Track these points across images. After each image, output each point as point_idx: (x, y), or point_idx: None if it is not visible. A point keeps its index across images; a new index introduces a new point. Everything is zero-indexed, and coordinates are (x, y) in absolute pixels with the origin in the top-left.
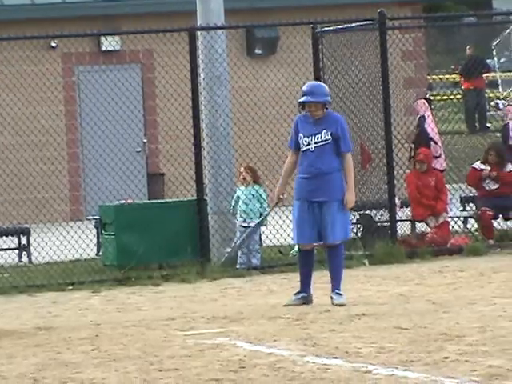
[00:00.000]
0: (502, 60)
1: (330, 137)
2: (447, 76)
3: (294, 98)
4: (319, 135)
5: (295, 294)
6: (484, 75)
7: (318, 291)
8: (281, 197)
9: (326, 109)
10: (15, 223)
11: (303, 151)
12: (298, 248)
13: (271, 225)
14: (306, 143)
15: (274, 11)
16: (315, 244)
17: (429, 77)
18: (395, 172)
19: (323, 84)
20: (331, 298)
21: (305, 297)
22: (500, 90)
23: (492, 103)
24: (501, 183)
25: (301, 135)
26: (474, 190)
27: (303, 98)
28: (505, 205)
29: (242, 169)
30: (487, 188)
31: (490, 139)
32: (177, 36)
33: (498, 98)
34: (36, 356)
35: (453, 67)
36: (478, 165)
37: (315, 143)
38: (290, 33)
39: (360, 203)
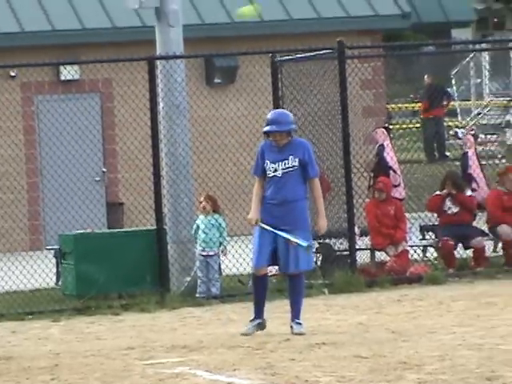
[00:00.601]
0: (461, 89)
1: (297, 163)
2: (406, 105)
3: (254, 127)
4: (286, 161)
5: (250, 320)
6: (445, 104)
7: (277, 320)
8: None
9: (291, 136)
10: None
11: (270, 177)
12: (253, 273)
13: (231, 254)
14: (273, 169)
15: (233, 40)
16: (275, 273)
17: (388, 106)
18: (354, 201)
19: (288, 112)
20: (291, 327)
21: (260, 323)
22: (459, 118)
23: (451, 132)
24: (460, 208)
25: (267, 161)
26: (433, 219)
27: (268, 128)
28: (465, 233)
29: (201, 198)
30: (449, 212)
31: (449, 168)
32: (136, 65)
33: (457, 127)
34: None
35: (412, 96)
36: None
37: (282, 169)
38: (250, 62)
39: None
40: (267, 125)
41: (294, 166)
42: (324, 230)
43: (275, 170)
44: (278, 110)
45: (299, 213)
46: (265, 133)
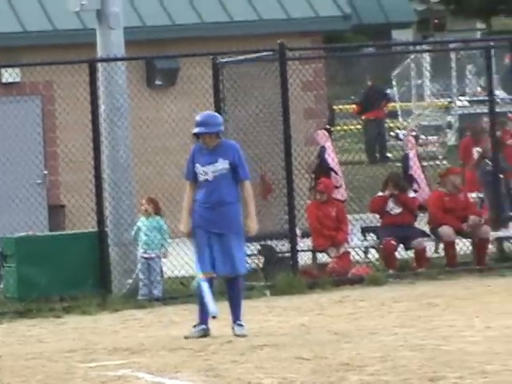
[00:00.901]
0: (402, 90)
1: (227, 165)
2: (347, 106)
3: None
4: (216, 164)
5: (194, 326)
6: (384, 105)
7: (219, 322)
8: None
9: (221, 138)
10: None
11: (201, 181)
12: (197, 278)
13: (172, 256)
14: (203, 173)
15: (174, 42)
16: (215, 275)
17: (333, 107)
18: (296, 202)
19: (216, 114)
20: (233, 329)
21: (205, 329)
22: (400, 120)
23: (392, 133)
24: (403, 209)
25: (198, 165)
26: (374, 221)
27: (197, 129)
28: (406, 234)
29: (143, 200)
30: (391, 213)
31: (391, 169)
32: (77, 68)
33: (399, 128)
34: None
35: (353, 98)
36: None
37: (213, 172)
38: (191, 64)
39: (261, 234)
40: (196, 126)
41: (224, 168)
42: (254, 231)
43: (206, 174)
44: (207, 112)
45: (232, 216)
46: (194, 135)
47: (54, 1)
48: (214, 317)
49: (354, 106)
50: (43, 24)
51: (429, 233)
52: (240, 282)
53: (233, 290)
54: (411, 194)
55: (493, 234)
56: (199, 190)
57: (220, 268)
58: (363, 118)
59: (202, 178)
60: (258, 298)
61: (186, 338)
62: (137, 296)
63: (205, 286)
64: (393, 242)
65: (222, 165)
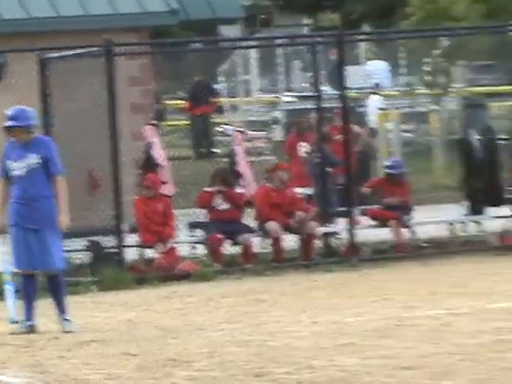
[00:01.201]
0: (229, 85)
1: (39, 160)
2: (175, 102)
3: None
4: (28, 159)
5: (20, 322)
6: (212, 101)
7: (46, 318)
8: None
9: (32, 133)
10: None
11: (15, 177)
12: (20, 275)
13: None
14: (16, 168)
15: (1, 37)
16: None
17: (161, 102)
18: (123, 198)
19: (28, 108)
20: (60, 324)
21: (32, 325)
22: (227, 115)
23: (219, 128)
24: (230, 204)
25: (10, 161)
26: (201, 216)
27: (7, 123)
28: (233, 230)
29: None
30: (219, 208)
31: (218, 164)
32: None
33: (225, 124)
34: None
35: (180, 93)
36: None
37: (25, 167)
38: (18, 59)
39: (89, 229)
40: (7, 121)
41: (37, 163)
42: (65, 226)
43: (18, 169)
44: (18, 106)
45: (47, 211)
46: (6, 129)
47: None
48: (14, 322)
49: (184, 102)
50: None
51: (256, 228)
52: (60, 278)
53: (54, 286)
54: (238, 190)
55: (320, 230)
56: (14, 186)
57: (38, 264)
58: (190, 113)
59: (15, 173)
60: (84, 293)
61: (12, 334)
62: None
63: (9, 290)
64: (218, 237)
65: (34, 160)
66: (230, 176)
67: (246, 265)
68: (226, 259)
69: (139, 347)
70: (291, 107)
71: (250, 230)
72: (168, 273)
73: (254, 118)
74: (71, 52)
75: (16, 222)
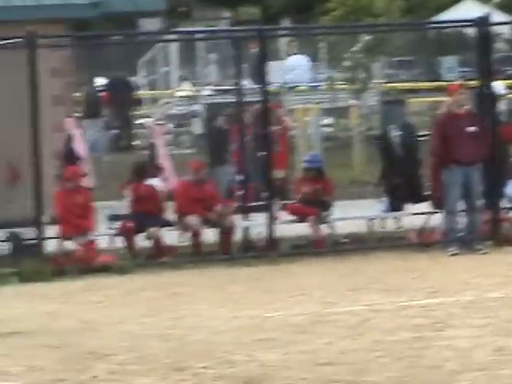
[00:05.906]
0: (149, 78)
1: None
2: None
3: None
4: None
5: None
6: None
7: None
8: None
9: None
10: None
11: None
12: None
13: None
14: None
15: None
16: None
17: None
18: (44, 189)
19: None
20: None
21: None
22: (147, 108)
23: (139, 121)
24: (137, 198)
25: None
26: (121, 209)
27: None
28: (146, 222)
29: None
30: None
31: (138, 157)
32: None
33: (145, 117)
34: None
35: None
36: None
37: None
38: None
39: (8, 221)
40: None
41: None
42: None
43: None
44: None
45: None
46: None
47: None
48: None
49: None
50: None
51: (175, 222)
52: None
53: None
54: (158, 183)
55: (239, 224)
56: None
57: None
58: (114, 106)
59: None
60: (4, 284)
61: None
62: None
63: None
64: (128, 225)
65: None
66: (144, 170)
67: (166, 258)
68: (145, 252)
69: (60, 340)
70: (211, 101)
71: (164, 224)
72: (87, 265)
73: (173, 111)
74: None
75: None
